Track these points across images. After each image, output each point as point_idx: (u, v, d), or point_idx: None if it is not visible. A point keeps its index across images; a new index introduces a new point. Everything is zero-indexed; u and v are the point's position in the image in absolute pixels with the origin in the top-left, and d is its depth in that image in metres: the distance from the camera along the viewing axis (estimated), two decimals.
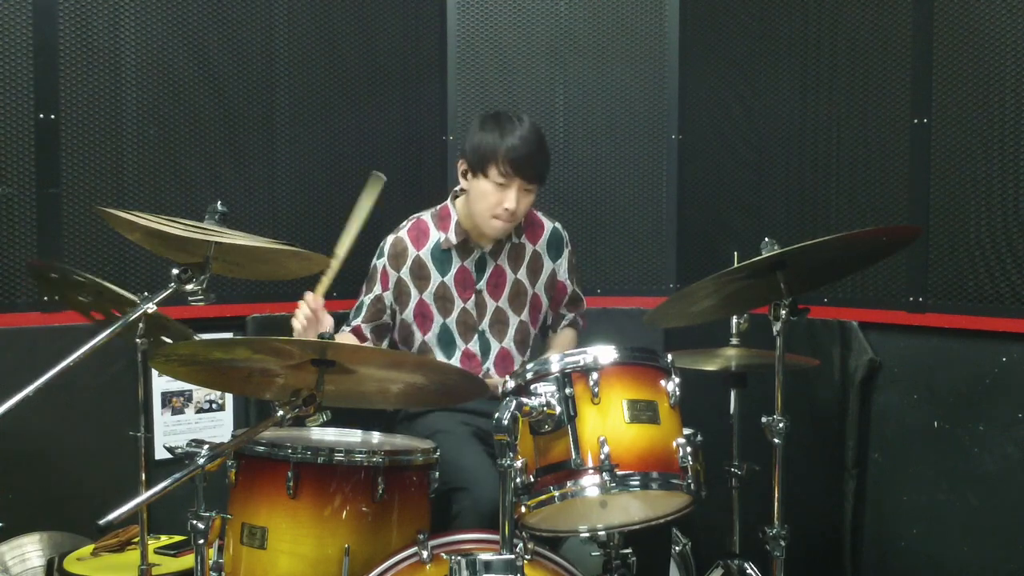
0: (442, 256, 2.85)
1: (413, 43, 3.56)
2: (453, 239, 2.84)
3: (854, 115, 3.03)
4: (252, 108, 3.22)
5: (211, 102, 3.13)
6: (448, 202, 2.90)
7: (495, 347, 2.89)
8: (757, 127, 3.35)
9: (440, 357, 2.85)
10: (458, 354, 2.87)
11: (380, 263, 2.88)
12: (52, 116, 2.84)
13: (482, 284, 2.87)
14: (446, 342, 2.87)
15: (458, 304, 2.85)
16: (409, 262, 2.85)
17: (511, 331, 2.90)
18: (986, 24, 2.69)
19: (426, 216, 2.90)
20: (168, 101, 3.05)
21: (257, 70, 3.22)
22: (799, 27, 3.19)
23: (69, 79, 2.87)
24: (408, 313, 2.87)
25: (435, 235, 2.86)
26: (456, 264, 2.85)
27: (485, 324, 2.88)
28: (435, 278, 2.84)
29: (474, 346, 2.88)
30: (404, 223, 2.92)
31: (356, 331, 2.89)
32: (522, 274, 2.92)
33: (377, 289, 2.87)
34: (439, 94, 3.60)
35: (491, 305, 2.88)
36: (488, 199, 2.72)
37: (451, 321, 2.85)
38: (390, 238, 2.89)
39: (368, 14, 3.44)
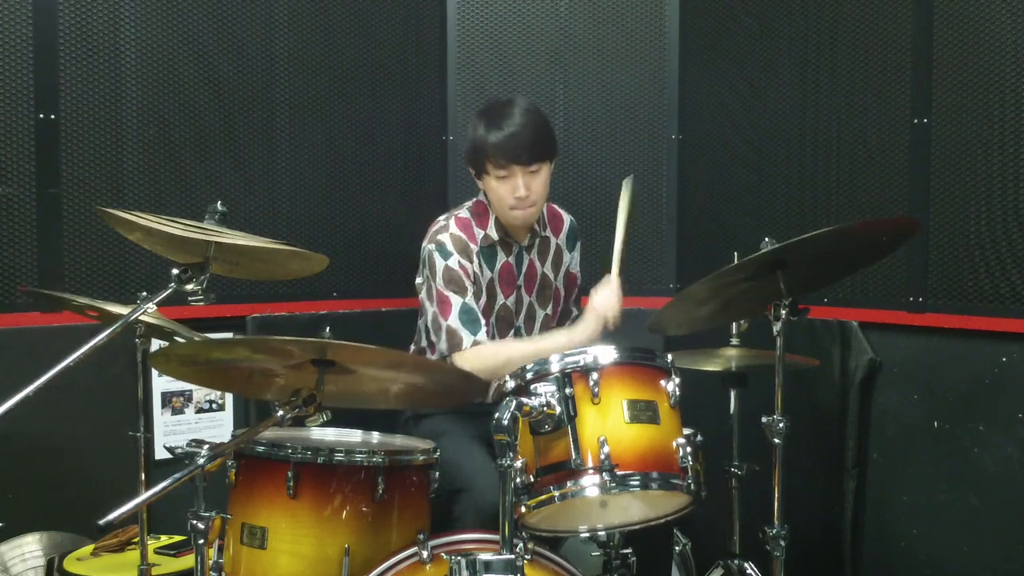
0: (488, 252, 2.79)
1: (413, 43, 3.56)
2: (494, 235, 2.78)
3: (854, 115, 3.03)
4: (252, 108, 3.22)
5: (211, 102, 3.13)
6: (482, 197, 2.82)
7: None
8: (757, 127, 3.35)
9: None
10: None
11: (454, 260, 2.69)
12: (52, 116, 2.84)
13: (521, 279, 2.85)
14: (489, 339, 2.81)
15: (499, 300, 2.81)
16: (474, 257, 2.75)
17: (537, 325, 2.89)
18: (986, 24, 2.69)
19: (463, 213, 2.81)
20: (168, 101, 3.05)
21: (257, 70, 3.22)
22: (799, 27, 3.19)
23: (69, 79, 2.87)
24: None
25: (478, 232, 2.78)
26: (501, 259, 2.81)
27: (521, 320, 2.86)
28: (486, 274, 2.79)
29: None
30: (443, 222, 2.77)
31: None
32: (547, 268, 2.91)
33: (471, 286, 2.70)
34: (439, 94, 3.60)
35: (526, 300, 2.86)
36: (498, 193, 2.69)
37: (494, 318, 2.81)
38: (444, 237, 2.71)
39: (368, 14, 3.44)
